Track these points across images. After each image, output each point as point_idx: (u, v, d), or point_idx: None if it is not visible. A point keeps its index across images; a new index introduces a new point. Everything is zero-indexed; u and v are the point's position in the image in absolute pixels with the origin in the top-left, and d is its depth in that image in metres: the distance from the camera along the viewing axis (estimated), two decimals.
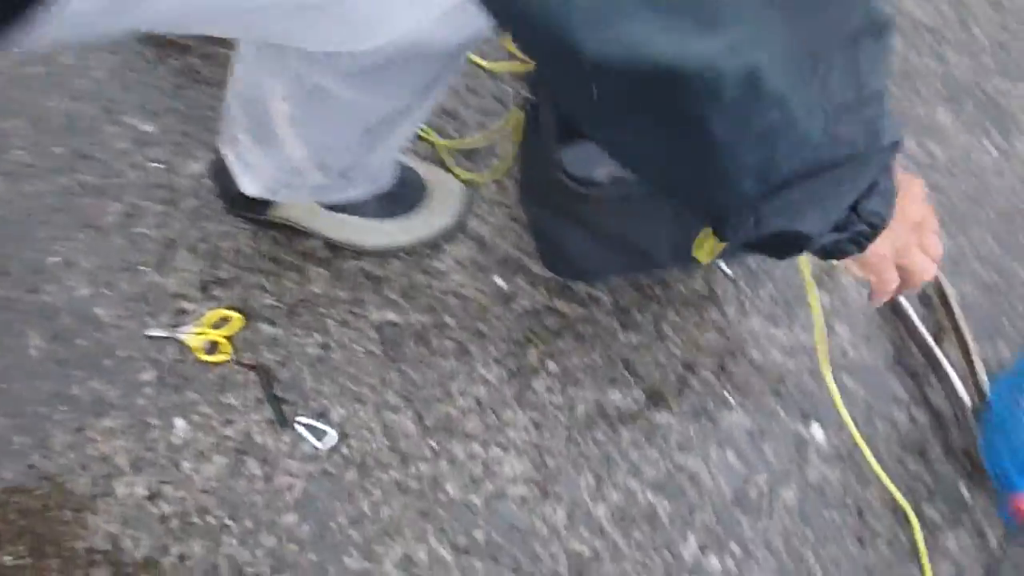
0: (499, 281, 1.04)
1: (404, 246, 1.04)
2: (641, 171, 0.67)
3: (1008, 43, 1.40)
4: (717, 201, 0.62)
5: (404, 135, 0.91)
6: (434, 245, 1.05)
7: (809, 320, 1.05)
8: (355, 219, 1.02)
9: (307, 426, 0.93)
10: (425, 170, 1.07)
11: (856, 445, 0.96)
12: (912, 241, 0.75)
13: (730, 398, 1.00)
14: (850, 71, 0.55)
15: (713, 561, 0.91)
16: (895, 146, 0.63)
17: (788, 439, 0.98)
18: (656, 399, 0.99)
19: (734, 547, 0.92)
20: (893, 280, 0.78)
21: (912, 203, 0.73)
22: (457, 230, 1.06)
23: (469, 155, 1.12)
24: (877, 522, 0.95)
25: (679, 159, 0.59)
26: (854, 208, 0.66)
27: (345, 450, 0.93)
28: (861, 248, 0.70)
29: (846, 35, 0.53)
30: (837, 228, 0.67)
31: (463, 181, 1.08)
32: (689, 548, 0.92)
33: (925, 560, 0.93)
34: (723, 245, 0.72)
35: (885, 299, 0.80)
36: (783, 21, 0.49)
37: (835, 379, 0.97)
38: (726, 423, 0.99)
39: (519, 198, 1.06)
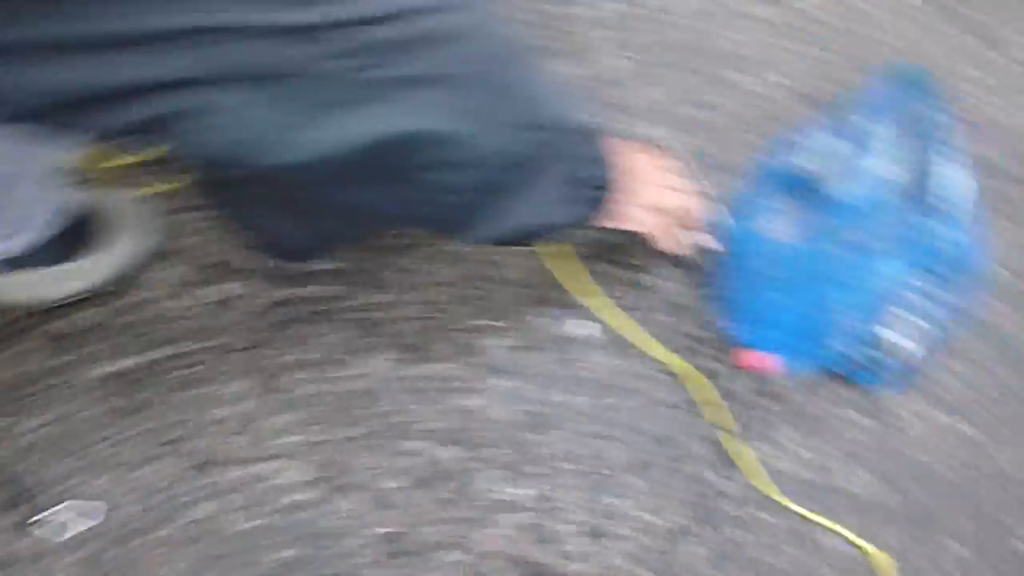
0: (216, 290, 0.96)
1: (97, 287, 0.93)
2: (385, 217, 0.83)
3: None
4: (452, 219, 0.77)
5: (72, 163, 0.81)
6: (133, 275, 0.95)
7: None
8: (31, 274, 0.90)
9: (59, 514, 0.84)
10: (101, 195, 0.96)
11: (623, 325, 0.95)
12: (647, 184, 0.87)
13: (486, 323, 0.97)
14: (516, 99, 0.70)
15: (521, 491, 0.90)
16: (590, 127, 0.78)
17: (554, 344, 0.97)
18: (415, 351, 0.95)
19: (536, 469, 0.91)
20: (656, 223, 0.90)
21: (628, 157, 0.85)
22: (154, 251, 0.96)
23: (151, 167, 1.01)
24: (663, 391, 0.96)
25: (409, 199, 0.72)
26: (578, 182, 0.79)
27: (110, 523, 0.84)
28: (598, 209, 0.83)
29: (501, 78, 0.68)
30: (572, 202, 0.80)
31: (147, 196, 0.98)
32: (494, 487, 0.89)
33: (719, 413, 0.94)
34: None
35: (668, 242, 0.94)
36: (447, 88, 0.64)
37: (582, 266, 0.96)
38: (490, 349, 0.96)
39: (211, 198, 0.97)
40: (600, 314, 0.98)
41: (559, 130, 0.75)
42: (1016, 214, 1.13)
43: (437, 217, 0.78)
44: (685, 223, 0.93)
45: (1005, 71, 1.28)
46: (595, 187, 0.82)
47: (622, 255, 1.02)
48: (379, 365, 0.94)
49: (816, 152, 1.05)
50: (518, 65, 0.70)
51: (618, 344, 0.97)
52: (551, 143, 0.74)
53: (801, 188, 1.03)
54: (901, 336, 0.98)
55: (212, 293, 0.95)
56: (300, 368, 0.93)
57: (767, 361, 0.93)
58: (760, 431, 0.95)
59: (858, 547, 0.90)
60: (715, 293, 1.00)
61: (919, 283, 0.98)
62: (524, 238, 0.81)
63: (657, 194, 0.89)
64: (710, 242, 0.99)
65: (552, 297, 0.99)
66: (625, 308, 0.99)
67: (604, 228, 0.88)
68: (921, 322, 0.98)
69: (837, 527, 0.91)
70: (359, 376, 0.93)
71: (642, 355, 0.97)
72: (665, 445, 0.93)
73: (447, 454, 0.90)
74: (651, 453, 0.93)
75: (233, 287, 0.95)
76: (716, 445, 0.94)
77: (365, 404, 0.92)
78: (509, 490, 0.89)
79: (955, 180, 1.02)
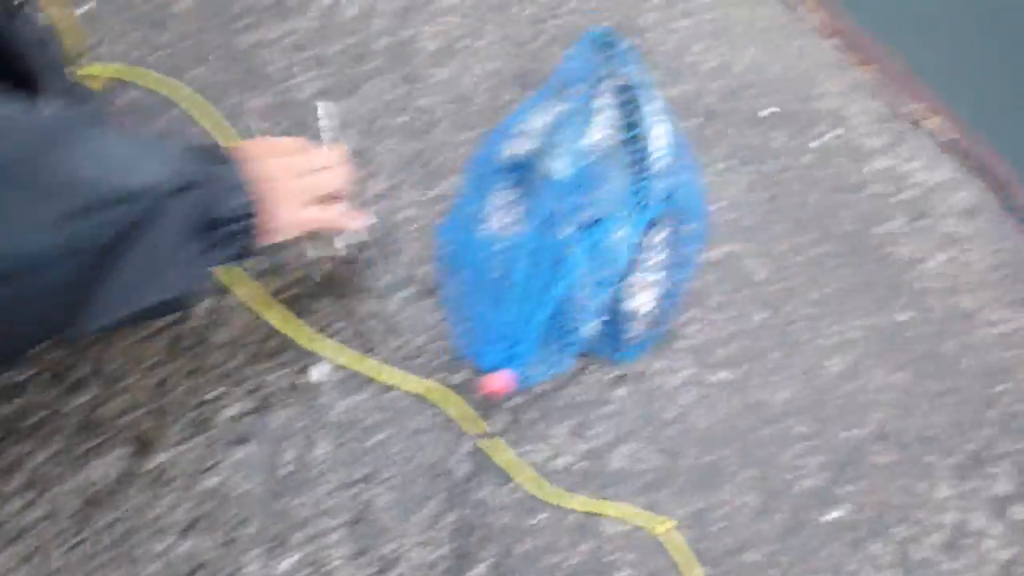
0: None
1: None
2: None
3: None
4: (57, 322, 0.69)
5: None
6: None
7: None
8: None
9: None
10: None
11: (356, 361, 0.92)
12: (290, 178, 0.81)
13: (218, 392, 0.90)
14: (52, 188, 0.61)
15: (286, 563, 0.84)
16: (204, 166, 0.72)
17: (294, 396, 0.91)
18: (145, 442, 0.87)
19: (299, 535, 0.85)
20: (318, 217, 0.85)
21: (257, 162, 0.78)
22: None
23: None
24: (418, 418, 0.92)
25: None
26: (214, 223, 0.72)
27: None
28: (254, 235, 0.76)
29: (18, 175, 0.60)
30: (218, 245, 0.74)
31: None
32: (256, 566, 0.83)
33: (479, 426, 0.91)
34: None
35: (338, 228, 0.89)
36: None
37: (304, 309, 0.92)
38: (223, 420, 0.89)
39: None
40: (330, 355, 0.92)
41: (146, 195, 0.66)
42: (730, 152, 1.13)
43: (40, 326, 0.71)
44: (343, 198, 0.89)
45: (708, 8, 1.29)
46: (239, 218, 0.75)
47: (332, 285, 0.96)
48: (107, 468, 0.86)
49: (529, 135, 1.02)
50: (49, 152, 0.62)
51: (360, 381, 0.92)
52: (139, 212, 0.66)
53: (521, 176, 1.01)
54: (644, 299, 0.97)
55: None
56: (15, 495, 0.84)
57: (504, 382, 0.89)
58: (532, 434, 0.93)
59: (640, 525, 0.88)
60: (443, 311, 0.95)
61: (651, 240, 0.98)
62: (174, 303, 0.76)
63: (307, 183, 0.84)
64: (371, 214, 0.96)
65: (280, 347, 0.93)
66: (351, 341, 0.93)
67: (274, 245, 0.83)
68: (661, 279, 0.98)
69: (616, 510, 0.89)
70: (86, 486, 0.85)
71: (387, 386, 0.92)
72: (431, 474, 0.89)
73: (199, 545, 0.84)
74: (418, 485, 0.88)
75: None
76: (485, 460, 0.90)
77: (99, 514, 0.84)
78: (273, 564, 0.83)
79: (666, 132, 1.02)
